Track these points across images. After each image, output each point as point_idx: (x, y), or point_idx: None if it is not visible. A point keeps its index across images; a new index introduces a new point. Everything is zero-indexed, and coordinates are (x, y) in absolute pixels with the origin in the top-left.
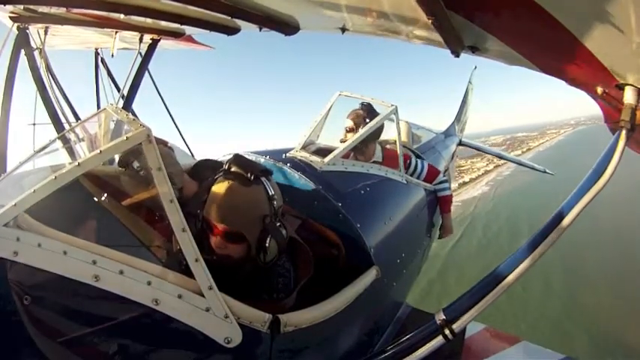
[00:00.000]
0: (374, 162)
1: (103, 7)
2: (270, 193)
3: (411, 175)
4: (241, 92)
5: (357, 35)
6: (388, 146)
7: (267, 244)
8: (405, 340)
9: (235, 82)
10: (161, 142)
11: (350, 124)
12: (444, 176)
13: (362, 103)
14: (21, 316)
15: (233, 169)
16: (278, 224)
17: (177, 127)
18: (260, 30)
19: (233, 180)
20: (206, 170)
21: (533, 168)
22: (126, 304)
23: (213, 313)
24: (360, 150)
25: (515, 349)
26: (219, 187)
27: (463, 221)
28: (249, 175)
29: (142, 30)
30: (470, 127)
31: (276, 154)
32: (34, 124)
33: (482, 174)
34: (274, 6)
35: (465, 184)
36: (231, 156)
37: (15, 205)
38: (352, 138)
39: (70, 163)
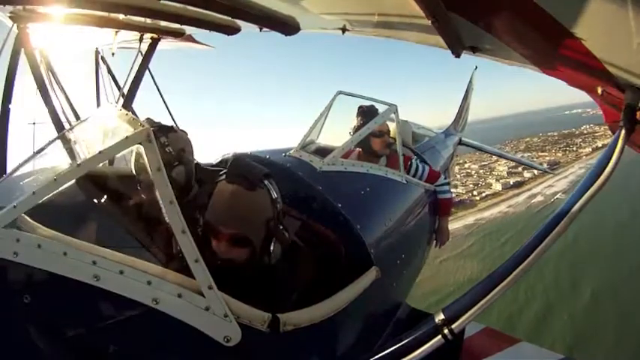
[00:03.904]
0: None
1: (103, 7)
2: (274, 197)
3: (412, 177)
4: (241, 92)
5: (358, 35)
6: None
7: (271, 248)
8: (404, 340)
9: (235, 82)
10: (182, 131)
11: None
12: (445, 178)
13: (361, 107)
14: (21, 316)
15: (235, 173)
16: (281, 227)
17: (177, 126)
18: (260, 30)
19: (236, 184)
20: (205, 172)
21: (534, 167)
22: (126, 304)
23: (213, 312)
24: (367, 150)
25: (514, 349)
26: (223, 191)
27: None
28: (252, 178)
29: (143, 30)
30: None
31: (276, 154)
32: (33, 124)
33: None
34: (274, 6)
35: (597, 149)
36: (230, 156)
37: (15, 206)
38: (351, 138)
39: (70, 164)
